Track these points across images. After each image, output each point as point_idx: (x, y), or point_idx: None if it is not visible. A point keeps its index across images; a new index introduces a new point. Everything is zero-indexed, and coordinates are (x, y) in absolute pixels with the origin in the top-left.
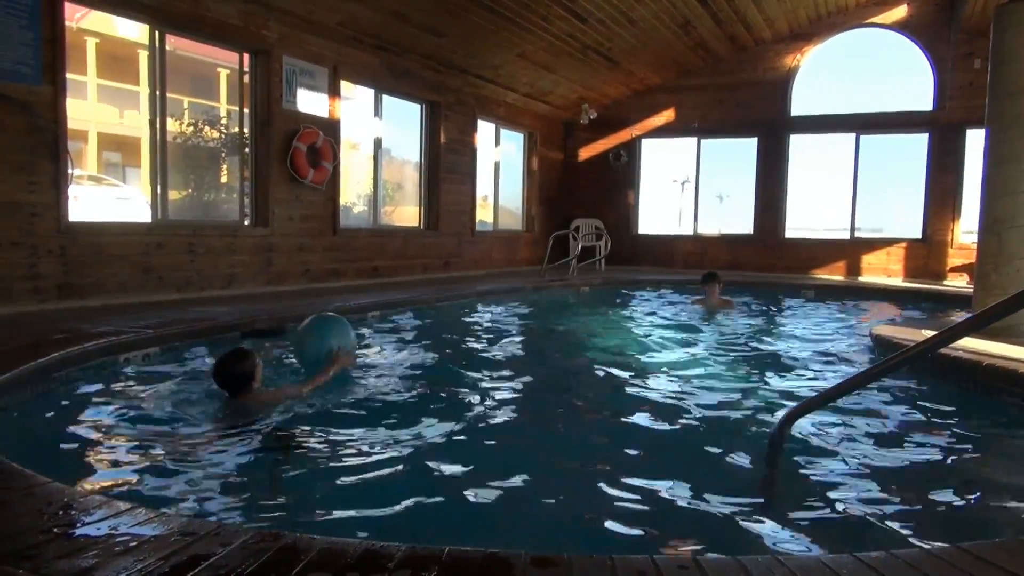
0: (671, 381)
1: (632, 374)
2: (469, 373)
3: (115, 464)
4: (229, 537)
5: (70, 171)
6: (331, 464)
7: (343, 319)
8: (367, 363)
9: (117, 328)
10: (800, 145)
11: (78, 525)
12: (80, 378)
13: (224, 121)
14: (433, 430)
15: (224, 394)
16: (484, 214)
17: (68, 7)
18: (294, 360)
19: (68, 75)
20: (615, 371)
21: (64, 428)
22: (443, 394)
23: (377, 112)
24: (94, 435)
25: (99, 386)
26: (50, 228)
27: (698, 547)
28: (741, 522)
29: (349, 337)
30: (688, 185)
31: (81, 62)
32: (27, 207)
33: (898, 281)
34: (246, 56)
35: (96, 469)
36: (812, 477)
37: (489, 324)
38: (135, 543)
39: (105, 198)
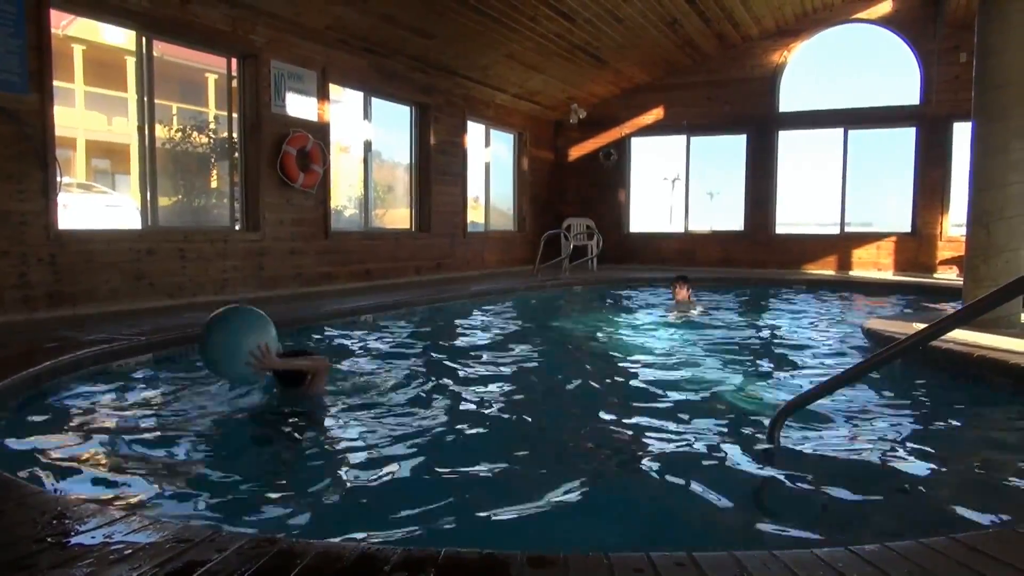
0: (665, 378)
1: (625, 373)
2: (463, 374)
3: (109, 472)
4: (225, 543)
5: (59, 179)
6: (326, 467)
7: (250, 309)
8: (362, 365)
9: (109, 336)
10: (789, 141)
11: (72, 534)
12: (73, 386)
13: (213, 126)
14: (427, 432)
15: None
16: (476, 215)
17: (54, 14)
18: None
19: (55, 83)
20: (607, 370)
21: (57, 437)
22: (437, 396)
23: (367, 115)
24: (87, 444)
25: (92, 394)
26: (40, 236)
27: (694, 543)
28: (736, 517)
29: (267, 330)
30: (678, 183)
31: (68, 69)
32: (16, 216)
33: (889, 275)
34: (234, 61)
35: (90, 478)
36: (806, 471)
37: (483, 325)
38: (130, 551)
39: (95, 205)
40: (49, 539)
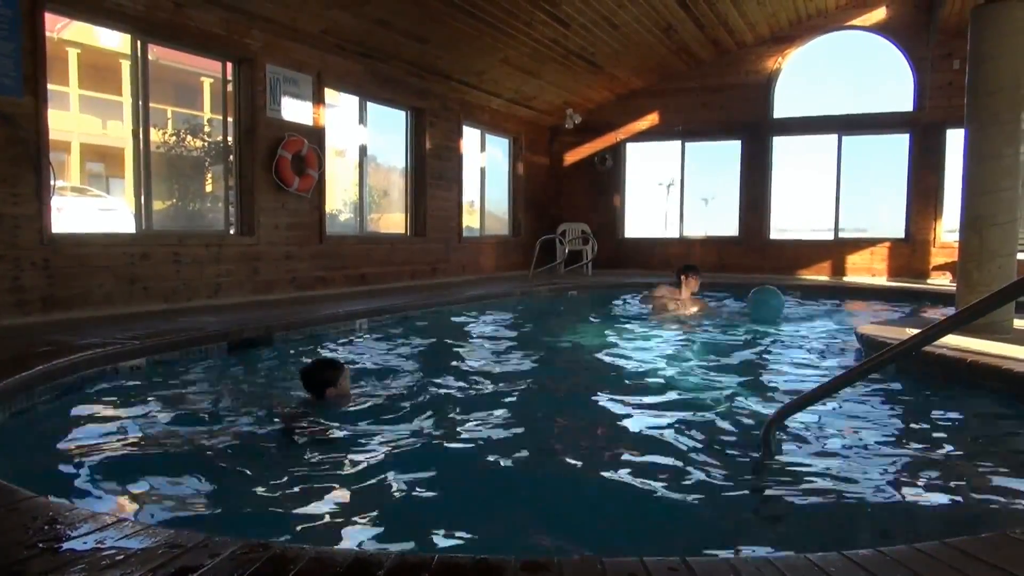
0: (658, 383)
1: (619, 377)
2: (457, 380)
3: (102, 477)
4: (217, 548)
5: (53, 183)
6: (319, 472)
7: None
8: (354, 371)
9: (103, 340)
10: (783, 147)
11: (64, 540)
12: (66, 391)
13: (208, 130)
14: (420, 437)
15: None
16: (471, 220)
17: (49, 18)
18: (280, 368)
19: (50, 86)
20: (601, 375)
21: (49, 442)
22: (430, 401)
23: (362, 119)
24: (80, 449)
25: (84, 399)
26: (33, 240)
27: (687, 548)
28: (730, 523)
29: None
30: (673, 188)
31: (63, 73)
32: (9, 219)
33: (882, 280)
34: (229, 65)
35: (82, 483)
36: (800, 476)
37: (477, 330)
38: (122, 556)
39: (89, 209)
40: (40, 544)
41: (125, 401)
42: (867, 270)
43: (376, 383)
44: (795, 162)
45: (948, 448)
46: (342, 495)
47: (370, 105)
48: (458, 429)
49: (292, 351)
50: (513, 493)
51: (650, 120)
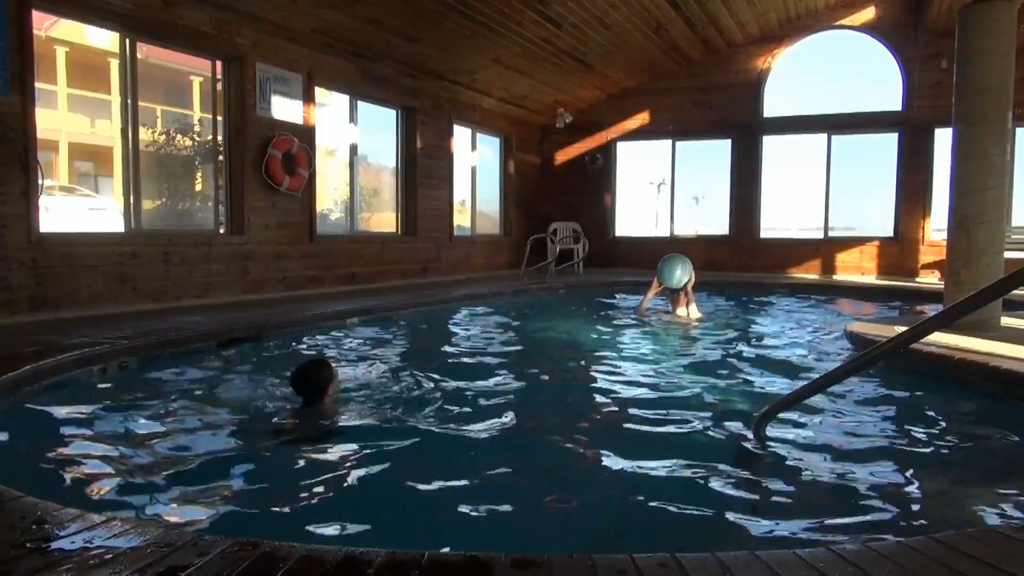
0: (649, 381)
1: (609, 376)
2: (447, 379)
3: (90, 477)
4: (207, 547)
5: (41, 182)
6: (310, 470)
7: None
8: (345, 370)
9: (91, 340)
10: (773, 146)
11: (52, 539)
12: (53, 391)
13: (197, 129)
14: (410, 435)
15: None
16: (462, 219)
17: (37, 15)
18: (269, 367)
19: (37, 85)
20: (592, 373)
21: (37, 442)
22: (420, 400)
23: (352, 118)
24: (68, 448)
25: (73, 399)
26: (21, 239)
27: (677, 544)
28: (719, 519)
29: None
30: (664, 187)
31: (51, 71)
32: None
33: (872, 279)
34: (219, 63)
35: (71, 482)
36: (789, 473)
37: (469, 329)
38: (110, 555)
39: (77, 208)
40: (28, 544)
41: (113, 400)
42: (856, 268)
43: (365, 382)
44: (785, 161)
45: (935, 444)
46: (332, 493)
47: (361, 104)
48: (447, 427)
49: (281, 350)
50: (503, 491)
51: (641, 119)
